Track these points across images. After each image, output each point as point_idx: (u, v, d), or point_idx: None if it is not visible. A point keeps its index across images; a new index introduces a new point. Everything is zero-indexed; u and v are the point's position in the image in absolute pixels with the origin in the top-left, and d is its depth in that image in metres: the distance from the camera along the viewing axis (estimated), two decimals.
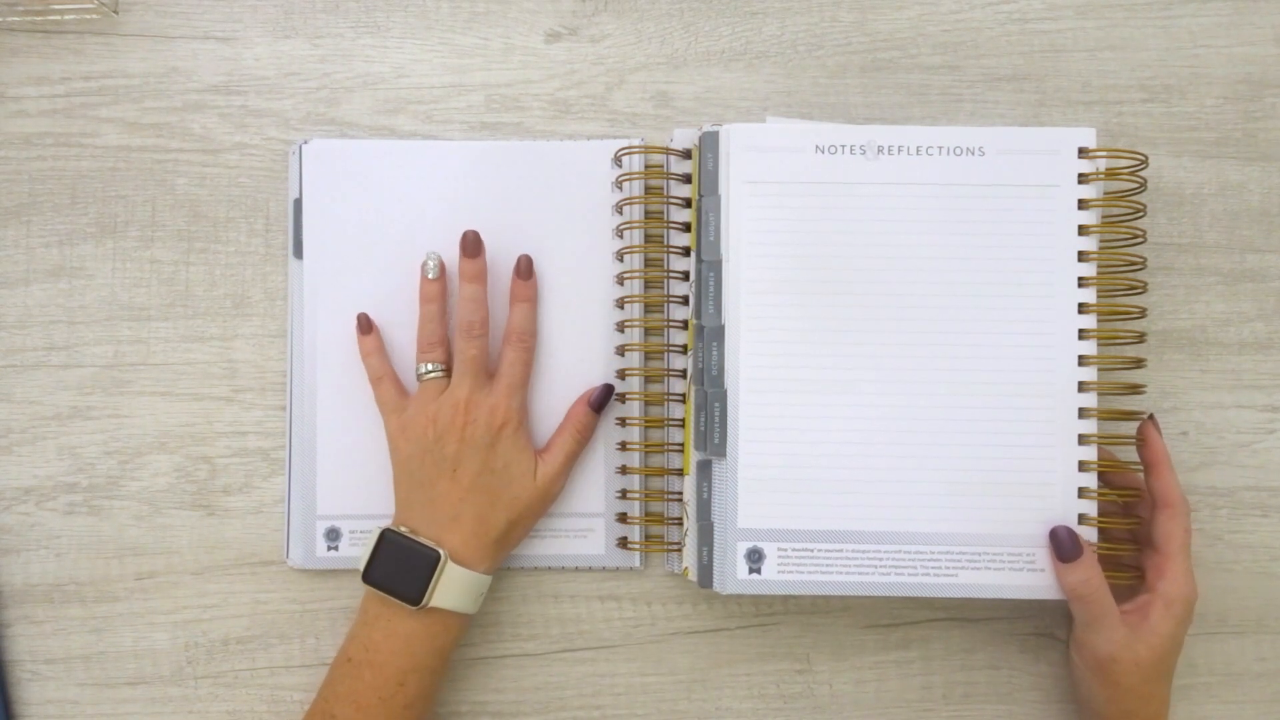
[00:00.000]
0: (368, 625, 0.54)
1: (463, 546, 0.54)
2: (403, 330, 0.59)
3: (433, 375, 0.56)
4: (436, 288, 0.57)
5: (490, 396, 0.56)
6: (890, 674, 0.60)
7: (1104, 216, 0.56)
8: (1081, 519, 0.54)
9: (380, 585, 0.54)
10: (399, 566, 0.54)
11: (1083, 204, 0.55)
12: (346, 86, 0.61)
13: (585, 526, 0.59)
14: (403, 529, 0.55)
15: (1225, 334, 0.60)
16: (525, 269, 0.58)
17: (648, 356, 0.59)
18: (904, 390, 0.55)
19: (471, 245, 0.57)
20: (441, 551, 0.53)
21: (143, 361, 0.61)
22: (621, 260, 0.59)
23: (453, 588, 0.54)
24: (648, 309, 0.59)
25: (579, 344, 0.59)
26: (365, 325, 0.58)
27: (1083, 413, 0.54)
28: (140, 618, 0.60)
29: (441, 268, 0.58)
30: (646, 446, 0.59)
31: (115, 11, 0.61)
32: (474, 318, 0.56)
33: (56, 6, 0.61)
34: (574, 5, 0.62)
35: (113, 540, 0.60)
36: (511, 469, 0.55)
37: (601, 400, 0.58)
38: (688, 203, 0.58)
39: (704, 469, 0.55)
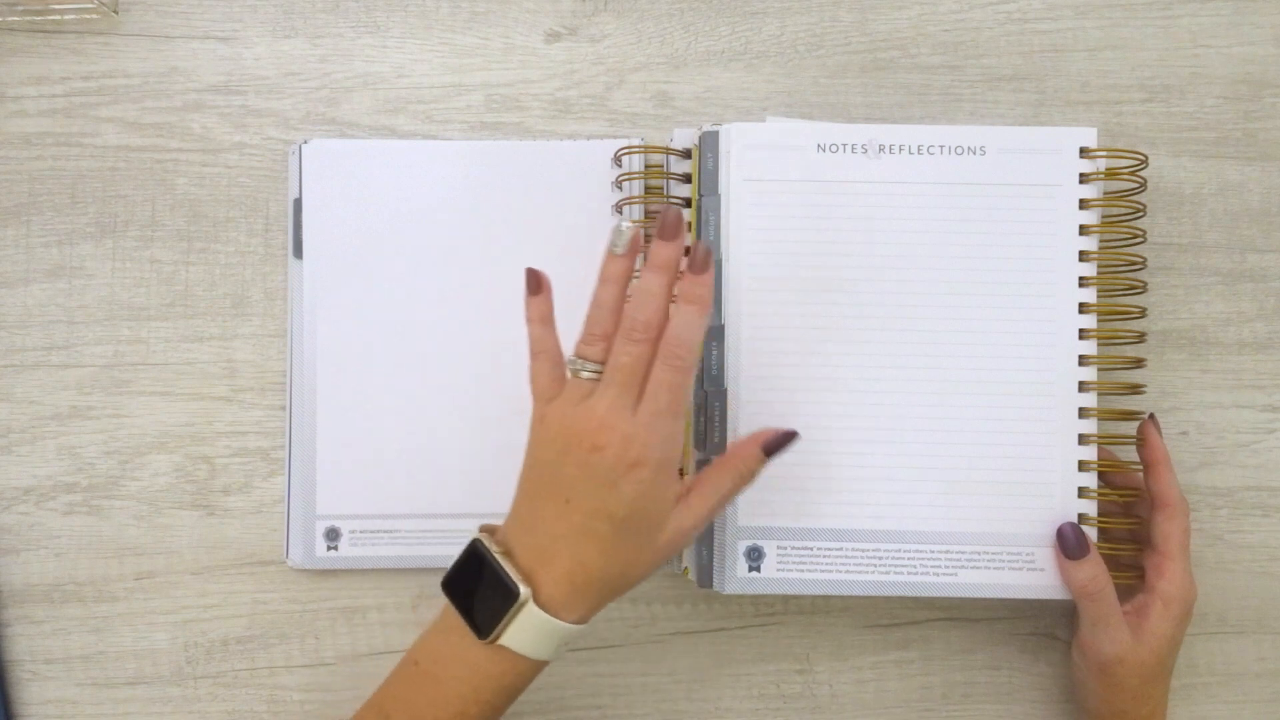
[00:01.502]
0: (439, 634, 0.48)
1: (553, 588, 0.46)
2: (404, 331, 0.59)
3: (587, 374, 0.47)
4: (621, 267, 0.48)
5: (630, 423, 0.45)
6: (890, 674, 0.60)
7: (1104, 216, 0.56)
8: (1082, 519, 0.54)
9: (453, 601, 0.47)
10: (477, 588, 0.46)
11: (1083, 204, 0.55)
12: (346, 86, 0.61)
13: None
14: (495, 548, 0.47)
15: (1225, 334, 0.60)
16: (702, 261, 0.46)
17: None
18: (904, 389, 0.55)
19: (672, 226, 0.46)
20: (524, 590, 0.45)
21: (143, 361, 0.61)
22: None
23: (528, 632, 0.45)
24: None
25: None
26: (534, 284, 0.50)
27: (1083, 412, 0.54)
28: (140, 618, 0.60)
29: (634, 243, 0.48)
30: None
31: (115, 11, 0.61)
32: (643, 316, 0.46)
33: (56, 6, 0.61)
34: (574, 5, 0.62)
35: (112, 540, 0.60)
36: (635, 521, 0.45)
37: (777, 445, 0.48)
38: (688, 202, 0.58)
39: (704, 469, 0.55)
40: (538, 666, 0.47)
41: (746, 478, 0.48)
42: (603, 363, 0.47)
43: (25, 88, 0.61)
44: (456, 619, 0.47)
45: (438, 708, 0.47)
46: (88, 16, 0.61)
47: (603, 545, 0.46)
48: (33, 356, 0.61)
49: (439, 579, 0.58)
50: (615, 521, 0.45)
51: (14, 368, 0.60)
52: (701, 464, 0.55)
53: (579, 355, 0.48)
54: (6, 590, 0.60)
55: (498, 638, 0.46)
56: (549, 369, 0.49)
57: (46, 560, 0.60)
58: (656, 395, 0.46)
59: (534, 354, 0.49)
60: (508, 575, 0.46)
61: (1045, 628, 0.60)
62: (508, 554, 0.47)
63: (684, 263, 0.48)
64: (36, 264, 0.61)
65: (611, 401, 0.46)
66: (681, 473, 0.53)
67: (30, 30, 0.61)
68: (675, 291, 0.47)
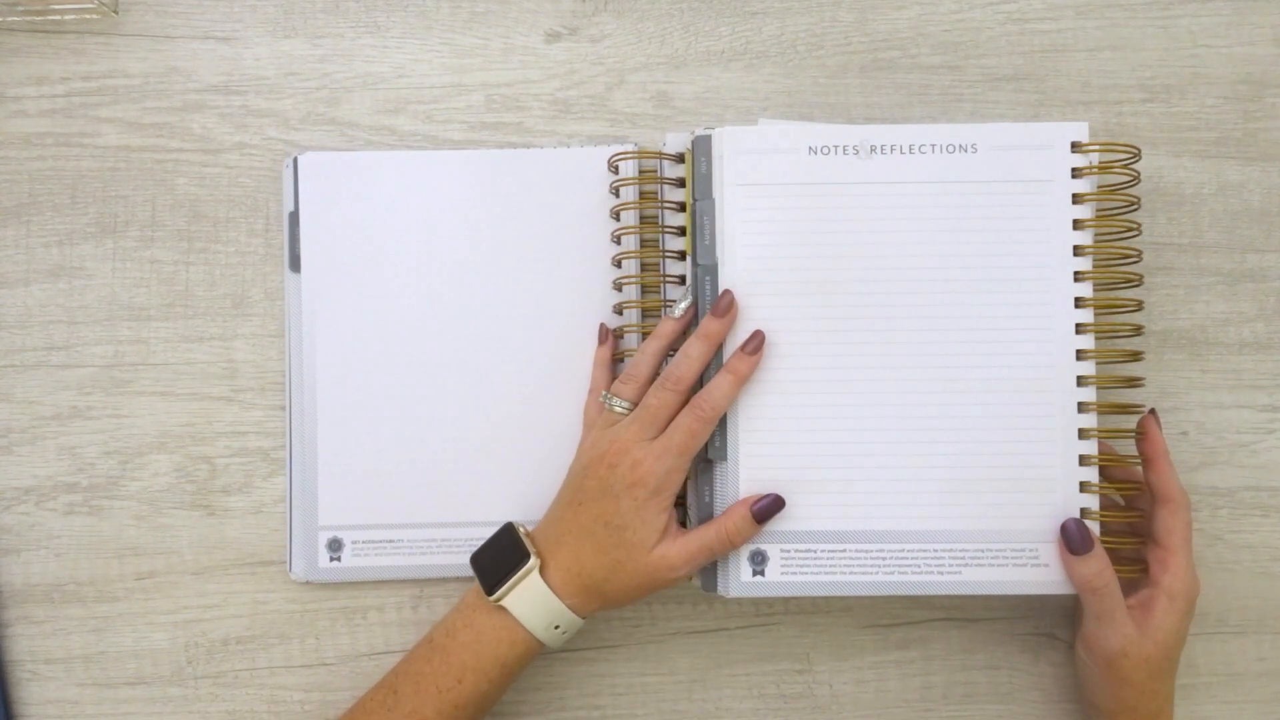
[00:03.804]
0: (458, 611, 0.54)
1: (558, 572, 0.53)
2: (403, 342, 0.59)
3: (617, 409, 0.54)
4: (671, 327, 0.55)
5: (643, 450, 0.52)
6: (890, 674, 0.60)
7: (1099, 211, 0.56)
8: (1084, 513, 0.54)
9: (473, 563, 0.55)
10: (496, 554, 0.54)
11: (1077, 198, 0.55)
12: (346, 86, 0.61)
13: None
14: (524, 527, 0.55)
15: (1225, 334, 0.61)
16: (755, 345, 0.54)
17: None
18: (903, 388, 0.55)
19: (724, 306, 0.53)
20: (534, 558, 0.53)
21: (143, 361, 0.61)
22: (619, 266, 0.59)
23: (528, 597, 0.53)
24: (645, 314, 0.59)
25: (577, 349, 0.59)
26: (604, 336, 0.58)
27: (1082, 407, 0.54)
28: (140, 618, 0.60)
29: (691, 312, 0.55)
30: None
31: (115, 11, 0.61)
32: (684, 373, 0.53)
33: (56, 6, 0.61)
34: (574, 5, 0.62)
35: (113, 540, 0.60)
36: (626, 533, 0.52)
37: (767, 513, 0.53)
38: (683, 207, 0.58)
39: (705, 472, 0.55)
40: (532, 646, 0.53)
41: (735, 540, 0.53)
42: (633, 402, 0.54)
43: (25, 88, 0.61)
44: (475, 596, 0.54)
45: (440, 676, 0.53)
46: (88, 16, 0.61)
47: (597, 546, 0.53)
48: (33, 356, 0.61)
49: (440, 585, 0.59)
50: (611, 529, 0.52)
51: (14, 368, 0.60)
52: (703, 468, 0.55)
53: (613, 392, 0.55)
54: (6, 590, 0.60)
55: (503, 596, 0.53)
56: (597, 404, 0.57)
57: (46, 560, 0.60)
58: (673, 434, 0.53)
59: (591, 390, 0.58)
60: (525, 544, 0.54)
61: (1045, 627, 0.60)
62: (530, 536, 0.55)
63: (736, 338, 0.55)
64: (36, 264, 0.61)
65: (634, 432, 0.53)
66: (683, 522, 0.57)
67: (30, 30, 0.61)
68: (727, 362, 0.54)
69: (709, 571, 0.55)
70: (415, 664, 0.54)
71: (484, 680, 0.53)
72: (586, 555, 0.53)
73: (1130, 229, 0.56)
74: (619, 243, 0.59)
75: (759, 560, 0.55)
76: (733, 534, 0.53)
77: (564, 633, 0.54)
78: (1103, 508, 0.55)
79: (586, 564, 0.53)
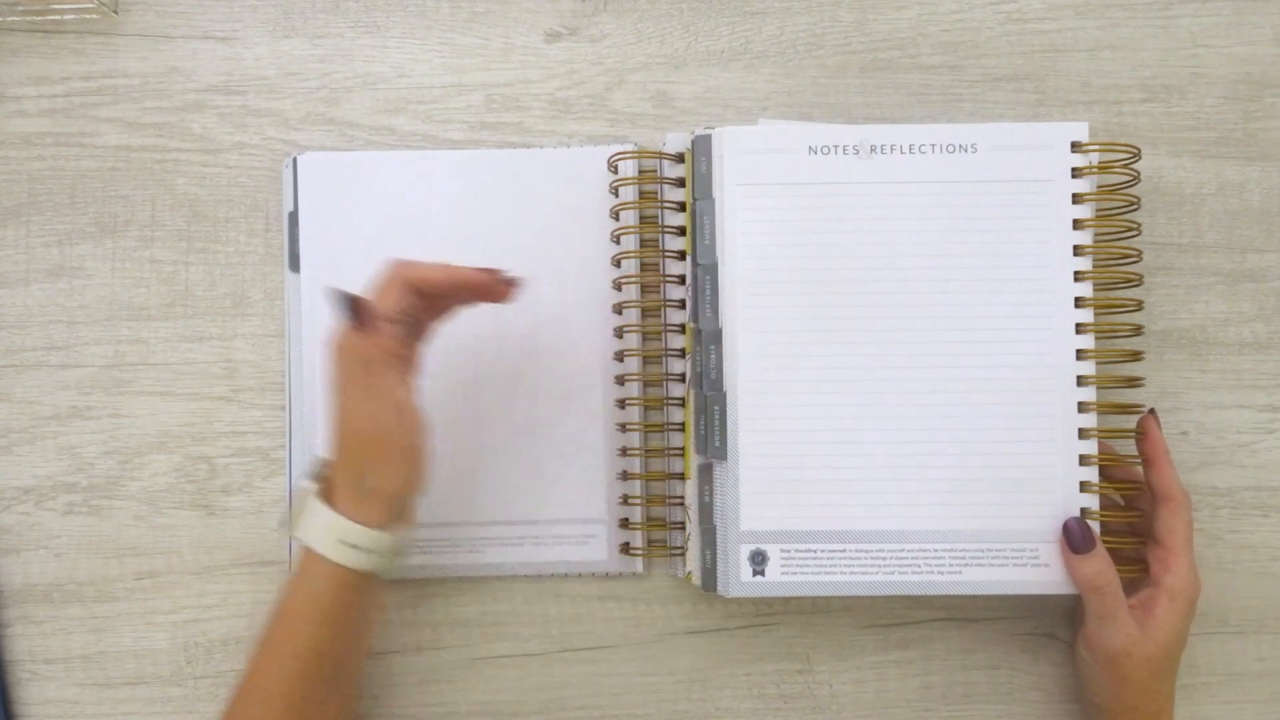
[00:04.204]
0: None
1: (338, 490, 0.50)
2: None
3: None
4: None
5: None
6: (890, 674, 0.60)
7: (1099, 210, 0.56)
8: (1084, 513, 0.54)
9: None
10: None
11: (1077, 198, 0.55)
12: (346, 86, 0.61)
13: (587, 533, 0.59)
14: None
15: (1225, 334, 0.61)
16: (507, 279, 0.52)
17: (646, 361, 0.59)
18: (903, 388, 0.55)
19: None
20: (312, 482, 0.51)
21: (143, 361, 0.61)
22: (618, 266, 0.59)
23: (313, 521, 0.50)
24: (645, 314, 0.59)
25: (577, 350, 0.59)
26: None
27: (1082, 407, 0.54)
28: (140, 618, 0.60)
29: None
30: (647, 451, 0.59)
31: (115, 11, 0.61)
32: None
33: (56, 6, 0.61)
34: (574, 5, 0.62)
35: (113, 540, 0.60)
36: (363, 407, 0.50)
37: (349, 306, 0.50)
38: (683, 206, 0.58)
39: (705, 472, 0.55)
40: (338, 572, 0.50)
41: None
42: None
43: (25, 88, 0.61)
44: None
45: (273, 631, 0.51)
46: (88, 16, 0.61)
47: (344, 439, 0.50)
48: (33, 356, 0.60)
49: (440, 585, 0.59)
50: (351, 413, 0.50)
51: (14, 368, 0.60)
52: (703, 468, 0.55)
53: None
54: (6, 590, 0.60)
55: (297, 529, 0.51)
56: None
57: (46, 560, 0.60)
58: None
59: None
60: (309, 476, 0.52)
61: (1045, 627, 0.60)
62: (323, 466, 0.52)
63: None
64: (36, 264, 0.61)
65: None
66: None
67: (30, 30, 0.61)
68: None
69: (708, 571, 0.55)
70: (262, 631, 0.52)
71: (308, 624, 0.50)
72: (346, 455, 0.50)
73: (1130, 229, 0.56)
74: (619, 243, 0.59)
75: (759, 560, 0.55)
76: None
77: (364, 551, 0.50)
78: (1103, 507, 0.55)
79: (348, 463, 0.50)
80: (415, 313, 0.52)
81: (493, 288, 0.53)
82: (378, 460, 0.50)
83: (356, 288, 0.60)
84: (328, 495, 0.51)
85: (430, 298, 0.52)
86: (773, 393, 0.55)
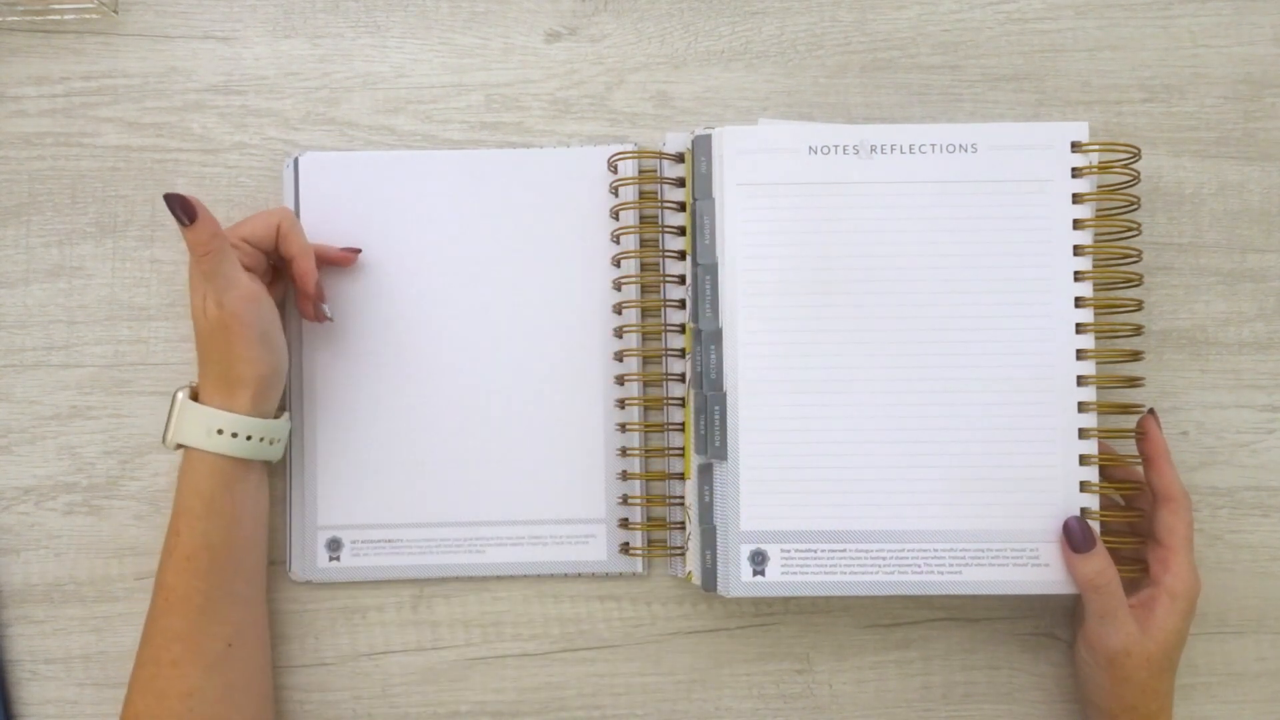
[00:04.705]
0: None
1: (203, 386, 0.55)
2: (402, 341, 0.59)
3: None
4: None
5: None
6: (890, 674, 0.60)
7: (1099, 210, 0.56)
8: (1084, 513, 0.54)
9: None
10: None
11: (1077, 198, 0.55)
12: (346, 86, 0.61)
13: (587, 533, 0.59)
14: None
15: (1225, 334, 0.61)
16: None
17: (646, 361, 0.59)
18: (903, 388, 0.55)
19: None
20: (180, 394, 0.54)
21: (143, 361, 0.61)
22: (618, 265, 0.59)
23: (184, 419, 0.54)
24: (645, 314, 0.59)
25: (577, 350, 0.59)
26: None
27: (1082, 406, 0.54)
28: (140, 617, 0.59)
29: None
30: (647, 451, 0.59)
31: (115, 11, 0.61)
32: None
33: (56, 6, 0.61)
34: (574, 5, 0.62)
35: (113, 540, 0.60)
36: (208, 301, 0.54)
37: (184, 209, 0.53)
38: (682, 206, 0.58)
39: (705, 472, 0.55)
40: (211, 461, 0.53)
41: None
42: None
43: (25, 88, 0.61)
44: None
45: (168, 539, 0.54)
46: (88, 16, 0.61)
47: (200, 340, 0.54)
48: (33, 356, 0.60)
49: (439, 585, 0.59)
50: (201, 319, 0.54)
51: (14, 368, 0.60)
52: (703, 468, 0.55)
53: None
54: (7, 590, 0.60)
55: (171, 434, 0.54)
56: None
57: (46, 560, 0.60)
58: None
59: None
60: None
61: (1045, 627, 0.60)
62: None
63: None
64: (36, 264, 0.61)
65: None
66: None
67: (30, 30, 0.61)
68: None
69: (708, 571, 0.55)
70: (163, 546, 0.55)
71: (194, 519, 0.53)
72: (205, 348, 0.54)
73: (1130, 229, 0.56)
74: (619, 242, 0.59)
75: (759, 560, 0.55)
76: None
77: (237, 438, 0.54)
78: (1103, 507, 0.55)
79: (209, 355, 0.54)
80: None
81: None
82: (235, 346, 0.53)
83: (357, 284, 0.60)
84: (197, 395, 0.54)
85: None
86: (773, 393, 0.55)
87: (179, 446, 0.54)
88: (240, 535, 0.54)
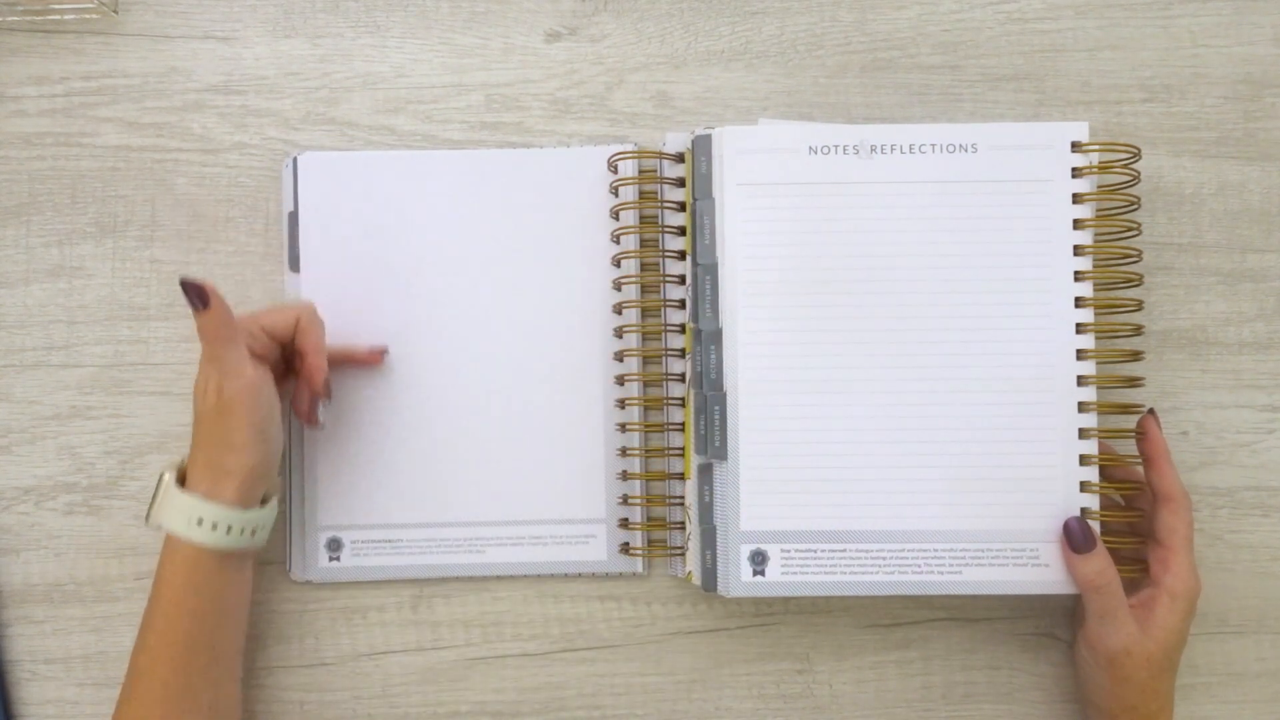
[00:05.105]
0: None
1: (191, 473, 0.53)
2: (402, 341, 0.59)
3: None
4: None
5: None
6: (890, 674, 0.60)
7: (1099, 210, 0.56)
8: (1084, 513, 0.54)
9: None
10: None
11: (1077, 198, 0.55)
12: (346, 86, 0.61)
13: (587, 533, 0.59)
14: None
15: (1225, 334, 0.61)
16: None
17: (646, 361, 0.59)
18: (903, 388, 0.55)
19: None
20: (167, 471, 0.53)
21: (143, 361, 0.61)
22: (618, 265, 0.59)
23: (167, 504, 0.52)
24: (645, 314, 0.59)
25: (577, 350, 0.59)
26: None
27: (1082, 407, 0.54)
28: (139, 618, 0.60)
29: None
30: (647, 451, 0.59)
31: (115, 11, 0.61)
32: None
33: (56, 6, 0.61)
34: (574, 5, 0.62)
35: (112, 540, 0.60)
36: (209, 388, 0.53)
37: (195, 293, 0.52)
38: (683, 206, 0.58)
39: (705, 472, 0.55)
40: (188, 552, 0.52)
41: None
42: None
43: (25, 88, 0.61)
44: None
45: (142, 621, 0.53)
46: (88, 16, 0.61)
47: (196, 427, 0.53)
48: (33, 356, 0.60)
49: (439, 585, 0.60)
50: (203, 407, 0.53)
51: (14, 368, 0.60)
52: (703, 468, 0.55)
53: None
54: (7, 590, 0.60)
55: (153, 515, 0.53)
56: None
57: (46, 560, 0.60)
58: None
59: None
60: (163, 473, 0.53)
61: (1046, 627, 0.60)
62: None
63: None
64: (36, 264, 0.61)
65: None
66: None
67: (30, 30, 0.61)
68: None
69: (708, 571, 0.55)
70: (140, 626, 0.53)
71: (177, 611, 0.52)
72: (200, 433, 0.53)
73: (1130, 229, 0.56)
74: (619, 242, 0.59)
75: (759, 560, 0.55)
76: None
77: (221, 529, 0.52)
78: (1103, 507, 0.55)
79: (202, 441, 0.52)
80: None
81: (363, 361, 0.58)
82: (230, 434, 0.52)
83: (357, 285, 0.60)
84: (185, 479, 0.53)
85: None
86: (773, 393, 0.55)
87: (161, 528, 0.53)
88: (220, 630, 0.53)
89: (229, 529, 0.52)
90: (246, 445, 0.52)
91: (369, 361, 0.58)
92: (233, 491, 0.52)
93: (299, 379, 0.56)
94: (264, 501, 0.54)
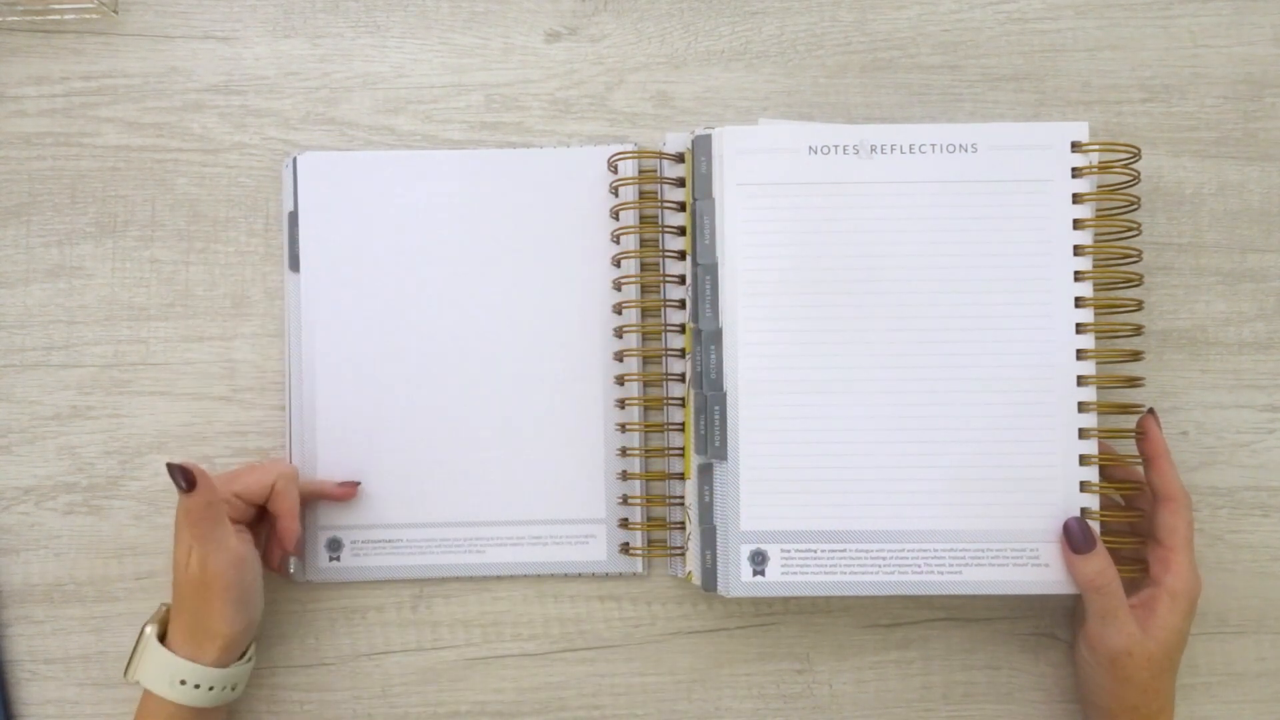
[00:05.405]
0: None
1: (175, 633, 0.54)
2: (402, 342, 0.59)
3: None
4: None
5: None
6: (890, 674, 0.60)
7: (1099, 210, 0.56)
8: (1084, 513, 0.54)
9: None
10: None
11: (1077, 198, 0.55)
12: (346, 86, 0.61)
13: (587, 533, 0.59)
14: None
15: (1225, 334, 0.61)
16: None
17: (646, 361, 0.59)
18: (903, 388, 0.55)
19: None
20: (148, 626, 0.54)
21: (143, 361, 0.61)
22: (618, 265, 0.59)
23: (148, 661, 0.53)
24: (645, 314, 0.59)
25: (577, 350, 0.59)
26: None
27: (1082, 406, 0.54)
28: (140, 618, 0.59)
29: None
30: (647, 451, 0.59)
31: (115, 11, 0.61)
32: None
33: (56, 6, 0.61)
34: (574, 5, 0.62)
35: (112, 540, 0.60)
36: (193, 558, 0.54)
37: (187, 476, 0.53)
38: (682, 206, 0.58)
39: (705, 472, 0.55)
40: (167, 709, 0.53)
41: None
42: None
43: (25, 88, 0.61)
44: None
45: None
46: (88, 16, 0.61)
47: (177, 587, 0.54)
48: (33, 356, 0.60)
49: (439, 585, 0.60)
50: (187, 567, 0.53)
51: (14, 368, 0.60)
52: (703, 468, 0.55)
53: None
54: (7, 590, 0.60)
55: (132, 671, 0.53)
56: None
57: (46, 560, 0.60)
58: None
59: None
60: (144, 626, 0.54)
61: (1045, 627, 0.60)
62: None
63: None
64: (36, 264, 0.61)
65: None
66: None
67: (30, 30, 0.61)
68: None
69: (708, 570, 0.55)
70: None
71: None
72: (183, 600, 0.53)
73: (1130, 229, 0.56)
74: (618, 242, 0.59)
75: (759, 560, 0.55)
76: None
77: (201, 688, 0.53)
78: (1103, 507, 0.55)
79: (185, 606, 0.53)
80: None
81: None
82: (212, 604, 0.53)
83: (357, 285, 0.60)
84: (165, 637, 0.54)
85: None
86: (773, 393, 0.55)
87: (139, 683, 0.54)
88: None
89: (210, 687, 0.53)
90: (229, 614, 0.53)
91: (340, 497, 0.59)
92: (215, 652, 0.53)
93: (271, 536, 0.57)
94: (244, 655, 0.55)
